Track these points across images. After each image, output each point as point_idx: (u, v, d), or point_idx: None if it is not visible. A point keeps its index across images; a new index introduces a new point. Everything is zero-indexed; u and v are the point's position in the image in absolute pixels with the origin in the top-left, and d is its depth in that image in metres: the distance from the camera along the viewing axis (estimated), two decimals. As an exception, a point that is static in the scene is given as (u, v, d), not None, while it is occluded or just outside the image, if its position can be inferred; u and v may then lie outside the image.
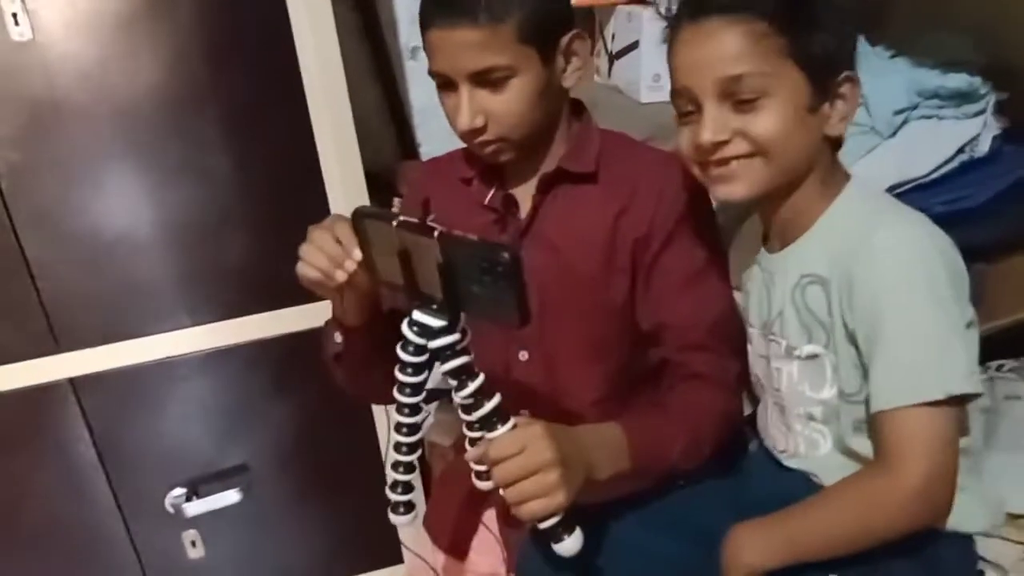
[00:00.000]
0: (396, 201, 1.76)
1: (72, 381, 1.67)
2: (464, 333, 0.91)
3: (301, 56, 1.52)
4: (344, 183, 1.61)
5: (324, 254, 0.97)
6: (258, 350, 1.74)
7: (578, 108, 1.18)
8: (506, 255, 0.81)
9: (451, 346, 0.90)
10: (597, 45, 1.99)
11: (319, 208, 1.62)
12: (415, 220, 0.87)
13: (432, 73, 1.08)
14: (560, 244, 1.14)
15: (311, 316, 1.63)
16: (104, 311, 1.63)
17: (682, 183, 1.11)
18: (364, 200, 1.64)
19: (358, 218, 0.93)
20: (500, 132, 1.08)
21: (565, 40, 1.08)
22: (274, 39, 1.52)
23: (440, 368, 0.92)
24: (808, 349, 1.01)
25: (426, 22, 1.05)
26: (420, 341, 0.91)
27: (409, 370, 0.93)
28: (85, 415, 1.70)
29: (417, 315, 0.92)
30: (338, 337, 1.12)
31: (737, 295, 1.16)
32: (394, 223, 0.87)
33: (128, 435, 1.75)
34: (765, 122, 0.95)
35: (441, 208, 1.19)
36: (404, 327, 0.92)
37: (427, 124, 1.78)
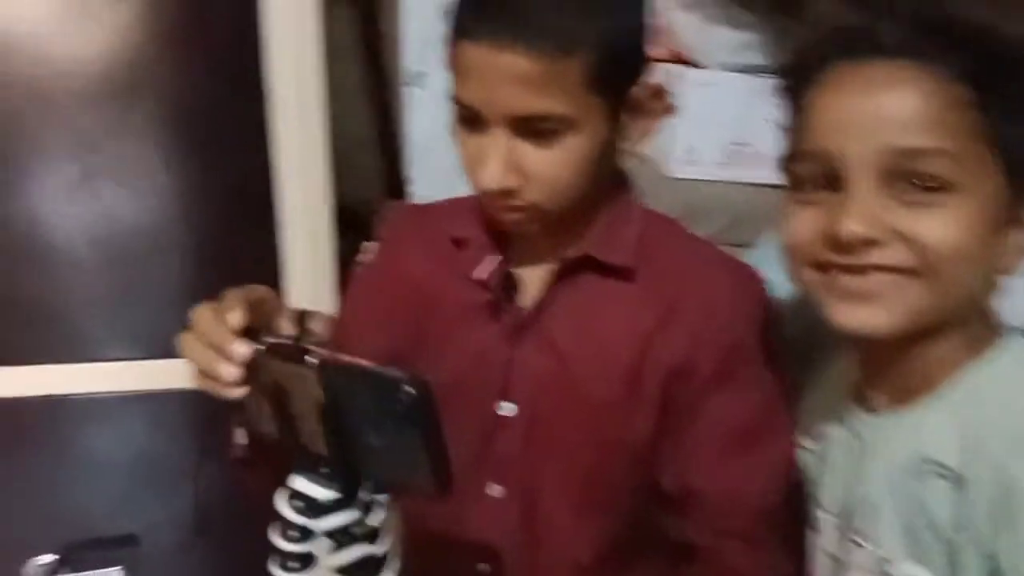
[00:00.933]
0: (367, 246, 1.45)
1: (-70, 406, 1.36)
2: (368, 508, 0.68)
3: (273, 63, 1.26)
4: (305, 217, 1.33)
5: (202, 344, 0.71)
6: (179, 401, 1.43)
7: (620, 177, 0.91)
8: (408, 390, 0.60)
9: (346, 529, 0.67)
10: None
11: (269, 244, 1.34)
12: (285, 342, 0.68)
13: (456, 101, 0.80)
14: (569, 352, 0.87)
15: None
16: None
17: (747, 299, 0.85)
18: (326, 239, 1.36)
19: None
20: (535, 198, 0.81)
21: (639, 91, 0.83)
22: (242, 40, 1.26)
23: (332, 559, 0.68)
24: (910, 571, 0.70)
25: (463, 30, 0.78)
26: (302, 521, 0.67)
27: (294, 550, 0.68)
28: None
29: (298, 482, 0.68)
30: (241, 437, 0.81)
31: (803, 454, 0.85)
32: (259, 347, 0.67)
33: (-7, 480, 1.44)
34: (944, 227, 0.66)
35: (419, 271, 0.95)
36: (278, 501, 0.68)
37: (423, 161, 1.50)
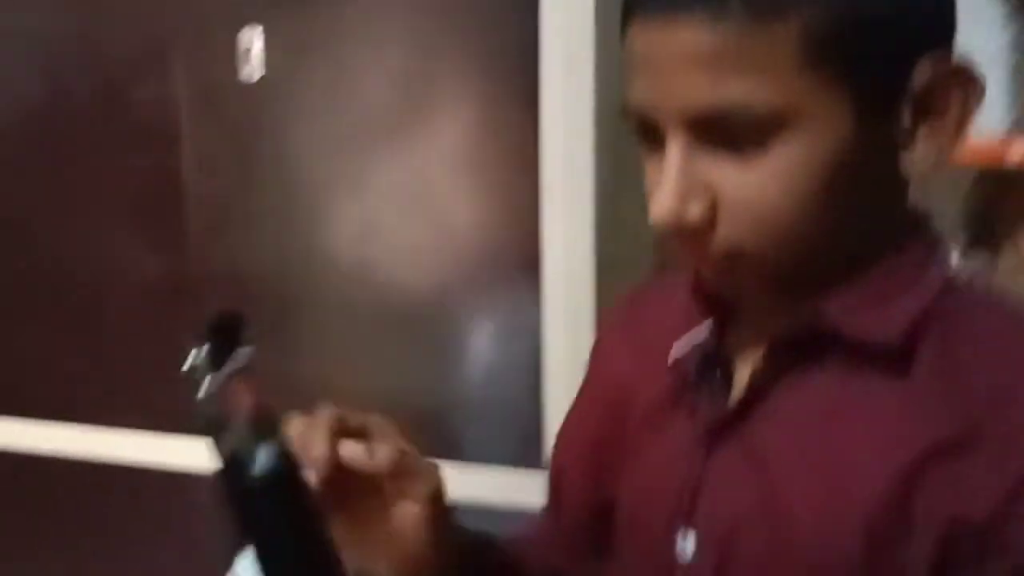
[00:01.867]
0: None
1: None
2: None
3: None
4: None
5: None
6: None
7: (908, 221, 0.62)
8: (262, 461, 0.56)
9: None
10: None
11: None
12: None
13: (625, 112, 0.58)
14: (784, 475, 0.59)
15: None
16: None
17: None
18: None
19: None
20: (736, 237, 0.56)
21: (921, 75, 0.54)
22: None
23: None
24: None
25: (630, 8, 0.57)
26: None
27: None
28: None
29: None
30: None
31: None
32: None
33: None
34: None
35: (621, 368, 0.74)
36: None
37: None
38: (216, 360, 0.57)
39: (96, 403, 1.57)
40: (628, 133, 0.60)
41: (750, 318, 0.64)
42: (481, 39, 1.35)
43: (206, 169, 1.49)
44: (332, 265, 1.46)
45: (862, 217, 0.57)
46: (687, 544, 0.63)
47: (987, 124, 1.07)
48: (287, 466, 0.57)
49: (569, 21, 1.25)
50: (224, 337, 0.58)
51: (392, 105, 1.40)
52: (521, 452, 1.38)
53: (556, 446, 0.82)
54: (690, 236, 0.56)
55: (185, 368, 0.57)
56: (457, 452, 1.42)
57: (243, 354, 0.58)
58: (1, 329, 1.64)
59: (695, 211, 0.55)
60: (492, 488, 1.36)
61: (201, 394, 0.57)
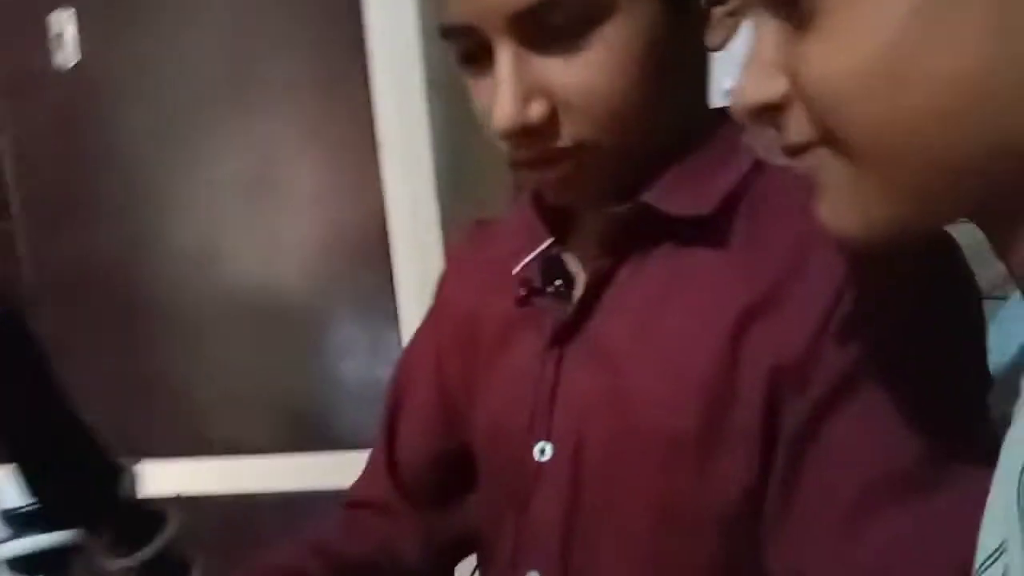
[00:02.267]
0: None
1: None
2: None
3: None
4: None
5: None
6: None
7: (712, 112, 0.65)
8: None
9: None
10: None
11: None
12: None
13: (443, 33, 0.59)
14: (627, 362, 0.61)
15: None
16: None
17: (914, 275, 0.56)
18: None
19: None
20: (578, 130, 0.57)
21: None
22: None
23: None
24: None
25: None
26: None
27: None
28: None
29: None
30: None
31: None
32: None
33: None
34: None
35: (469, 297, 0.74)
36: None
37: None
38: None
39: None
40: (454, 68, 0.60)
41: (587, 224, 0.66)
42: (303, 10, 1.30)
43: (28, 163, 1.40)
44: (172, 255, 1.40)
45: (680, 97, 0.61)
46: (546, 447, 0.65)
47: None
48: (15, 325, 0.50)
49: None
50: None
51: (220, 80, 1.34)
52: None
53: (396, 386, 0.81)
54: (534, 138, 0.57)
55: None
56: (324, 441, 1.37)
57: None
58: None
59: (536, 110, 0.56)
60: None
61: None
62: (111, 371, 1.42)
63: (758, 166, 0.62)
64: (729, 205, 0.61)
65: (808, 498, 0.55)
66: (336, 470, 1.31)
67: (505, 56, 0.56)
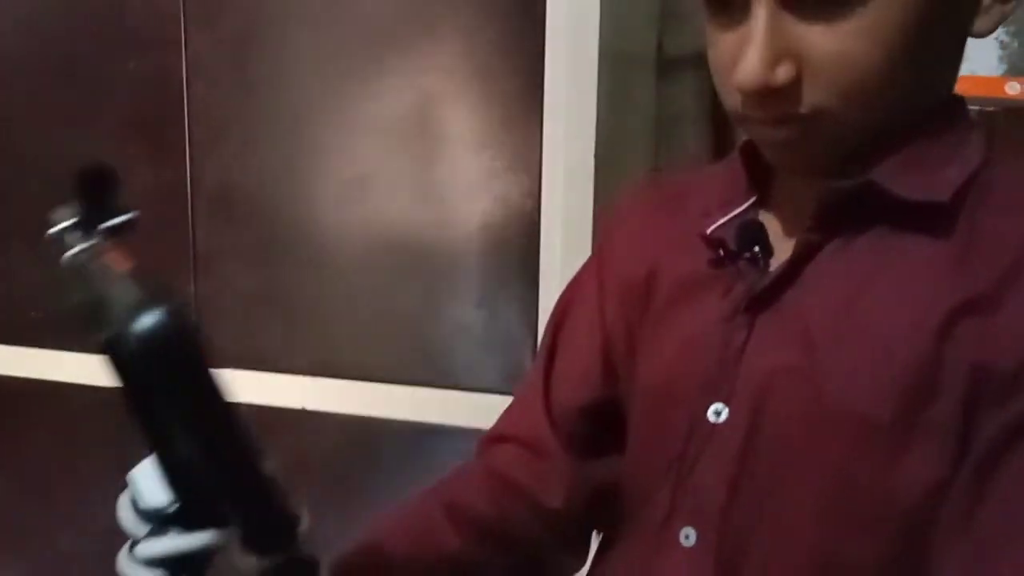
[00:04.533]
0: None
1: None
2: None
3: None
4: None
5: None
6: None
7: (953, 99, 0.64)
8: (147, 320, 0.44)
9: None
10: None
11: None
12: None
13: None
14: (824, 341, 0.60)
15: None
16: None
17: None
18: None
19: None
20: (820, 99, 0.57)
21: None
22: None
23: None
24: None
25: None
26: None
27: None
28: None
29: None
30: None
31: None
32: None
33: None
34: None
35: (645, 250, 0.73)
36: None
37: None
38: (88, 222, 0.50)
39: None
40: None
41: (793, 196, 0.65)
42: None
43: (205, 79, 1.47)
44: (323, 184, 1.44)
45: (929, 80, 0.59)
46: (722, 410, 0.64)
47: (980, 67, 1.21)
48: (178, 326, 0.45)
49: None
50: (98, 198, 0.51)
51: (393, 19, 1.37)
52: (513, 378, 1.36)
53: (555, 328, 0.80)
54: (774, 100, 0.56)
55: (51, 232, 0.50)
56: (447, 379, 1.40)
57: (120, 218, 0.52)
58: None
59: (783, 74, 0.56)
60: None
61: (68, 255, 0.49)
62: (252, 288, 1.48)
63: (988, 160, 0.61)
64: (960, 194, 0.59)
65: (1000, 512, 0.53)
66: (455, 408, 1.35)
67: (763, 13, 0.55)
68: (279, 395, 1.44)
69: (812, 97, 0.56)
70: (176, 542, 0.49)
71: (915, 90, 0.58)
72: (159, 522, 0.50)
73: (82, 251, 0.49)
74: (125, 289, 0.46)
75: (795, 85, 0.56)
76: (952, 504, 0.55)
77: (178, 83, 1.48)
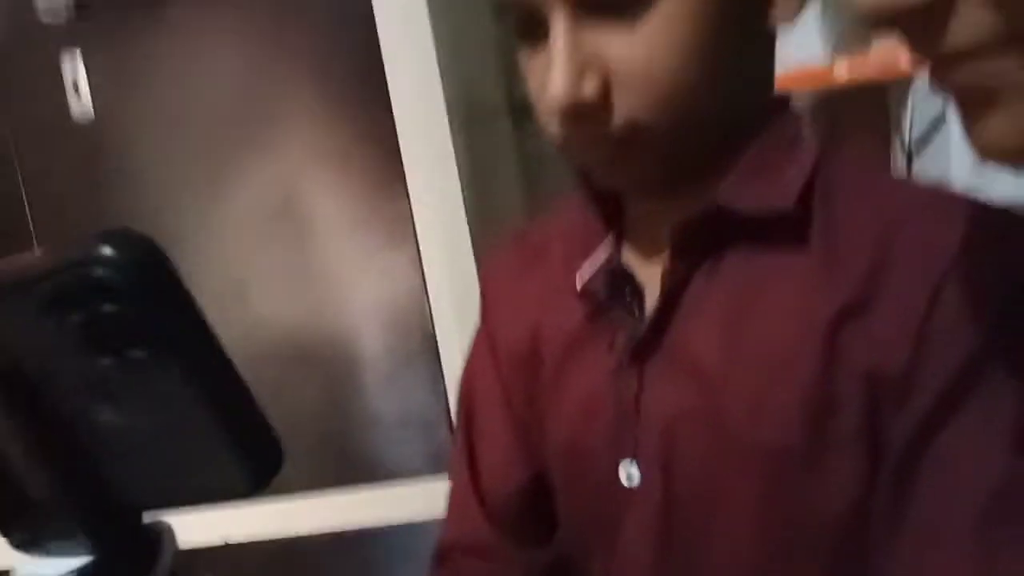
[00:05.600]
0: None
1: None
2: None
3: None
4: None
5: None
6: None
7: (774, 98, 0.63)
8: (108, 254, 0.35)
9: None
10: (891, 137, 1.45)
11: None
12: None
13: (502, 8, 0.58)
14: (717, 373, 0.58)
15: None
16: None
17: (1016, 261, 0.53)
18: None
19: None
20: (631, 109, 0.55)
21: None
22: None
23: None
24: None
25: None
26: None
27: None
28: None
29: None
30: None
31: None
32: None
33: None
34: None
35: (522, 314, 0.70)
36: None
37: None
38: None
39: None
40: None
41: (646, 225, 0.63)
42: (319, 36, 1.28)
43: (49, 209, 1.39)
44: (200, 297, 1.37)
45: (742, 79, 0.58)
46: (632, 470, 0.62)
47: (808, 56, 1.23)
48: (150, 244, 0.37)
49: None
50: None
51: (237, 119, 1.32)
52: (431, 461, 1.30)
53: (465, 420, 0.76)
54: (587, 116, 0.55)
55: None
56: (366, 476, 1.33)
57: None
58: None
59: (590, 86, 0.54)
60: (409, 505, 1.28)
61: None
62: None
63: (825, 153, 0.60)
64: (805, 197, 0.57)
65: (928, 507, 0.52)
66: (383, 505, 1.28)
67: (560, 26, 0.54)
68: (197, 532, 1.35)
69: (624, 109, 0.54)
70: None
71: (728, 92, 0.57)
72: None
73: None
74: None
75: (605, 98, 0.54)
76: (880, 509, 0.54)
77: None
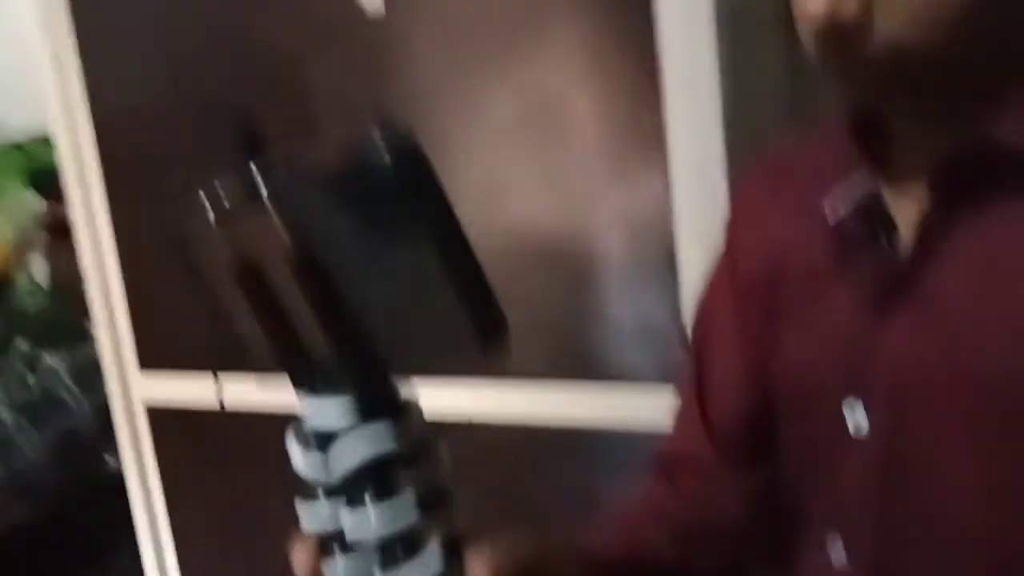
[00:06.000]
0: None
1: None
2: (426, 436, 0.49)
3: None
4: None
5: None
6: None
7: None
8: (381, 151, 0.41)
9: (382, 468, 0.47)
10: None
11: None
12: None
13: None
14: (970, 327, 0.54)
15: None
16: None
17: None
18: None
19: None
20: (890, 28, 0.51)
21: None
22: None
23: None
24: None
25: None
26: (314, 475, 0.49)
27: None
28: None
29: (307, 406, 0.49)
30: None
31: None
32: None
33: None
34: None
35: (770, 241, 0.69)
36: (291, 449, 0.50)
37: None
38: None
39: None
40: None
41: (906, 159, 0.58)
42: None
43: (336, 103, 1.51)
44: (455, 194, 1.44)
45: (1016, 12, 0.53)
46: (860, 414, 0.60)
47: None
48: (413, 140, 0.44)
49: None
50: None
51: (502, 24, 1.36)
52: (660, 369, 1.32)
53: (699, 340, 0.77)
54: (846, 37, 0.52)
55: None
56: (594, 371, 1.38)
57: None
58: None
59: (850, 4, 0.51)
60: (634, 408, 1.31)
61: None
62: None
63: None
64: None
65: None
66: (613, 404, 1.33)
67: None
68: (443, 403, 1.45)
69: (884, 28, 0.51)
70: (365, 436, 0.48)
71: (1003, 17, 0.51)
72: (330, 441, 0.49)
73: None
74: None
75: (867, 17, 0.51)
76: None
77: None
